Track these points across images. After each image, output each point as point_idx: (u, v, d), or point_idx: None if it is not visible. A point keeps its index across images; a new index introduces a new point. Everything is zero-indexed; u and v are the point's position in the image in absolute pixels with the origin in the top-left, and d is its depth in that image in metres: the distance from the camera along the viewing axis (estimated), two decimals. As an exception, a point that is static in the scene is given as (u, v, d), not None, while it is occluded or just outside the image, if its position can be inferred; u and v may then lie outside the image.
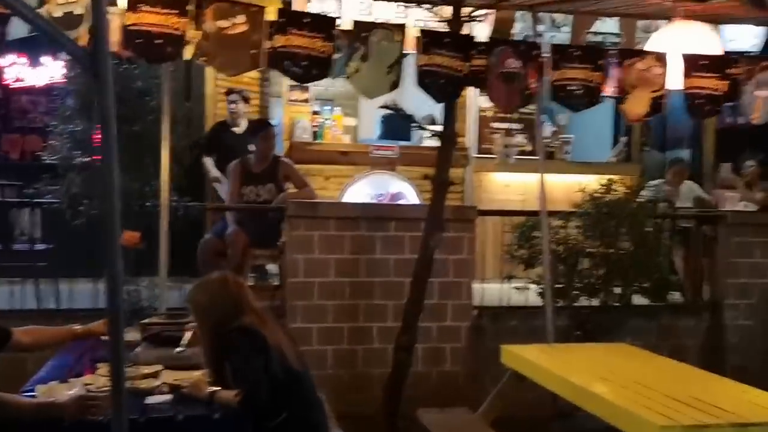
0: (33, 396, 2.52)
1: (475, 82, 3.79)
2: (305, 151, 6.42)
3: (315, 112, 6.80)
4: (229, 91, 5.96)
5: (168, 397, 2.56)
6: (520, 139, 7.03)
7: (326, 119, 6.79)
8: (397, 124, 7.22)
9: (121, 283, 1.93)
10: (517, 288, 4.86)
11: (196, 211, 5.13)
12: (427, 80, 3.66)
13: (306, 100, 6.67)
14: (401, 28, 3.73)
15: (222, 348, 2.60)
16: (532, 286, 4.72)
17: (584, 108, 3.80)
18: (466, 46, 3.74)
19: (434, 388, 4.80)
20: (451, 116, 4.20)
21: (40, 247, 5.10)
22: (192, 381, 2.60)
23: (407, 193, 6.61)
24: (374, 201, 6.30)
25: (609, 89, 3.86)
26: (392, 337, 4.52)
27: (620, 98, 3.88)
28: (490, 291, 5.22)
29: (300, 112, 6.63)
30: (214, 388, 2.52)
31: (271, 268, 5.57)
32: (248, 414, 2.41)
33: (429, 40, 3.68)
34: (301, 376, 2.65)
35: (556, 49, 3.94)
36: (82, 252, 4.88)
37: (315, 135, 6.68)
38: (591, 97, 3.81)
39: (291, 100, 6.62)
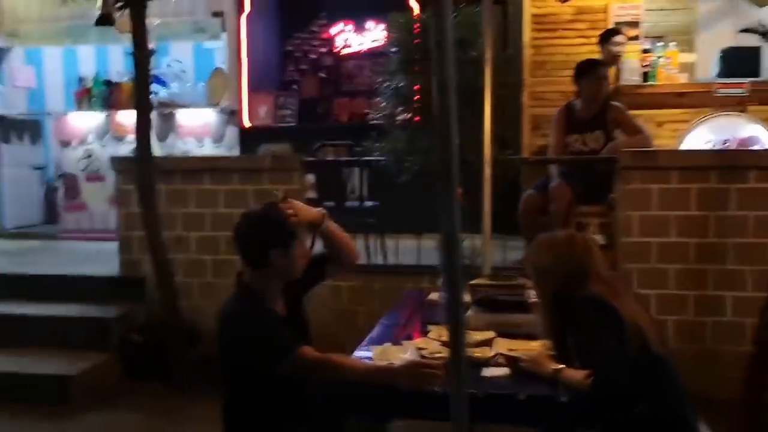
0: (368, 358, 2.44)
1: None
2: (634, 95, 5.71)
3: (645, 51, 6.00)
4: (612, 32, 5.44)
5: (505, 370, 2.28)
6: None
7: (659, 57, 5.96)
8: (743, 57, 6.09)
9: (459, 242, 1.69)
10: None
11: (516, 166, 4.84)
12: None
13: (636, 37, 5.91)
14: None
15: (565, 319, 2.24)
16: None
17: None
18: None
19: (811, 377, 3.90)
20: None
21: (368, 204, 5.27)
22: (532, 355, 2.29)
23: (762, 137, 5.55)
24: (717, 148, 5.40)
25: None
26: (751, 309, 3.74)
27: None
28: None
29: (628, 51, 5.90)
30: (559, 366, 2.18)
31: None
32: (602, 400, 2.03)
33: None
34: (663, 361, 2.18)
35: None
36: (407, 209, 4.94)
37: (645, 76, 5.91)
38: None
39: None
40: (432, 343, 2.53)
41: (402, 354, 2.40)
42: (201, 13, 6.71)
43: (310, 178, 5.28)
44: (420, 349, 2.47)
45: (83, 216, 7.03)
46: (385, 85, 4.68)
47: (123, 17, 4.30)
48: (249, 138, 6.68)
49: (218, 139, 6.98)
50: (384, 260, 4.94)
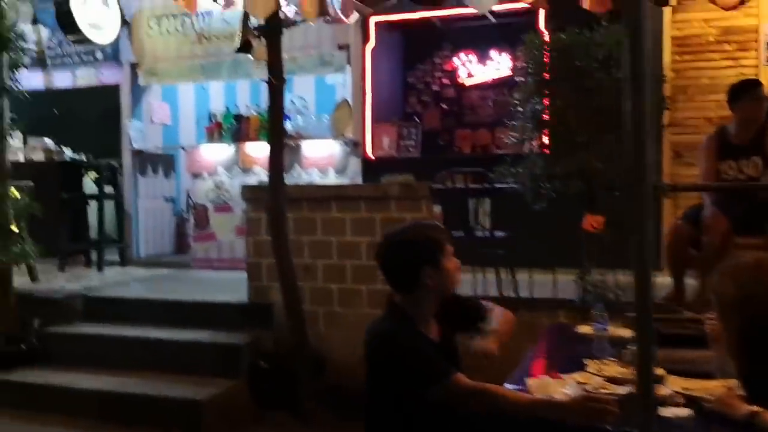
0: (523, 390, 2.23)
1: None
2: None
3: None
4: None
5: (686, 411, 2.01)
6: None
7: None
8: None
9: (651, 275, 1.53)
10: None
11: (663, 193, 4.49)
12: None
13: (791, 56, 5.44)
14: None
15: (758, 356, 1.95)
16: None
17: None
18: None
19: None
20: None
21: (498, 234, 5.06)
22: (719, 394, 2.01)
23: None
24: None
25: None
26: None
27: None
28: None
29: (781, 72, 5.44)
30: (754, 408, 1.88)
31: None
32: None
33: None
34: None
35: None
36: (539, 240, 4.71)
37: (801, 99, 5.40)
38: None
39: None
40: (594, 378, 2.31)
41: (563, 388, 2.19)
42: (327, 45, 6.81)
43: (437, 208, 5.14)
44: (581, 383, 2.25)
45: (212, 246, 7.23)
46: (519, 109, 4.51)
47: (260, 46, 4.38)
48: (372, 169, 6.66)
49: (341, 170, 7.02)
50: (516, 293, 4.69)
